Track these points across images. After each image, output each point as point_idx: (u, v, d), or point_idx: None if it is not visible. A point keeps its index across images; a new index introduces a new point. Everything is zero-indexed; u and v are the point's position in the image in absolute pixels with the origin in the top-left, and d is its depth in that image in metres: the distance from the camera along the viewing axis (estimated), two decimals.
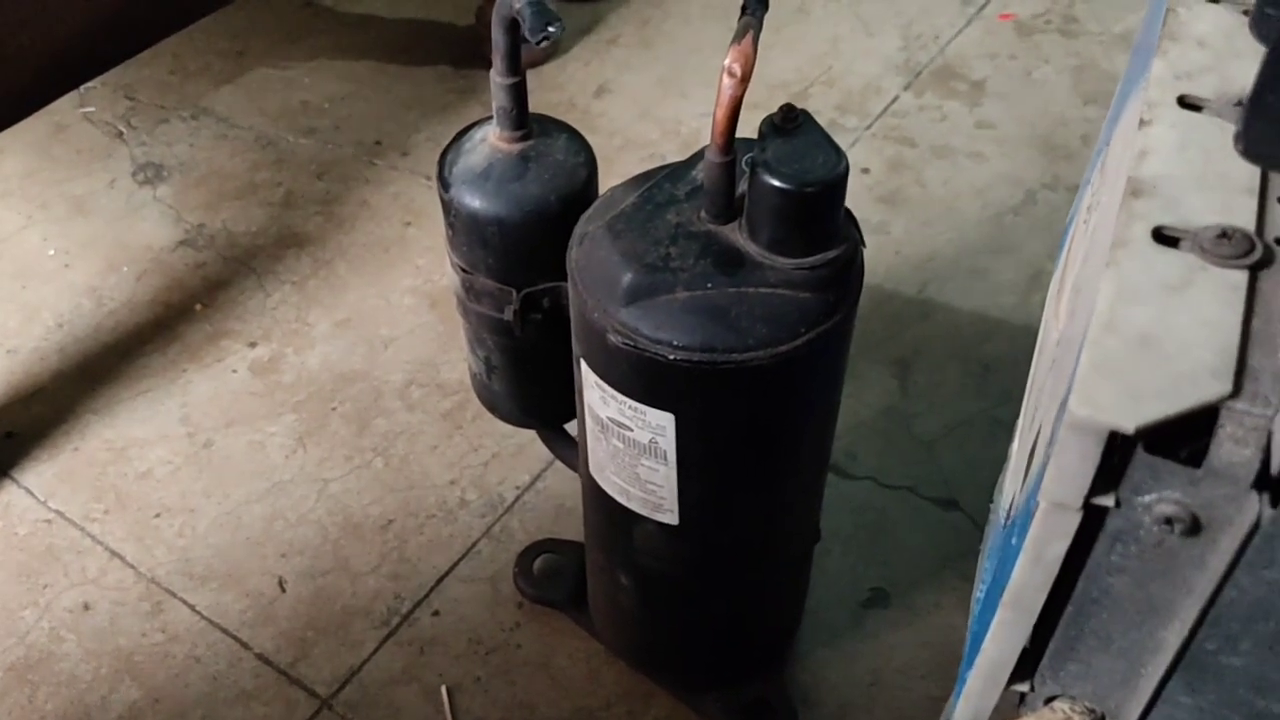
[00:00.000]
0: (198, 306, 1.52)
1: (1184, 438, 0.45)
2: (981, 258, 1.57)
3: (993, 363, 1.44)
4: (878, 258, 1.56)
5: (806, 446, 0.93)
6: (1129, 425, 0.43)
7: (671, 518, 0.91)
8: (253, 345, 1.48)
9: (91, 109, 1.83)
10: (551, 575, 1.22)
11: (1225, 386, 0.44)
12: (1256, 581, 0.45)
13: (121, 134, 1.78)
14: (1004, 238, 1.60)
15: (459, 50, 1.93)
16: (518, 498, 1.31)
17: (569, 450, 1.10)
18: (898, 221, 1.62)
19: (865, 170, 1.69)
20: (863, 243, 0.84)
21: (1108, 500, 0.47)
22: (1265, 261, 0.50)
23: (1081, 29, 1.95)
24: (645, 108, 1.81)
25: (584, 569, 1.14)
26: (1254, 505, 0.44)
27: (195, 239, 1.62)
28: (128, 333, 1.50)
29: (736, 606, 1.05)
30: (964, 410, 1.39)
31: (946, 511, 1.29)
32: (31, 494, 1.32)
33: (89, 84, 1.83)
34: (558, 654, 1.18)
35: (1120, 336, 0.47)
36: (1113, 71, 1.86)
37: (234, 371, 1.45)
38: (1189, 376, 0.45)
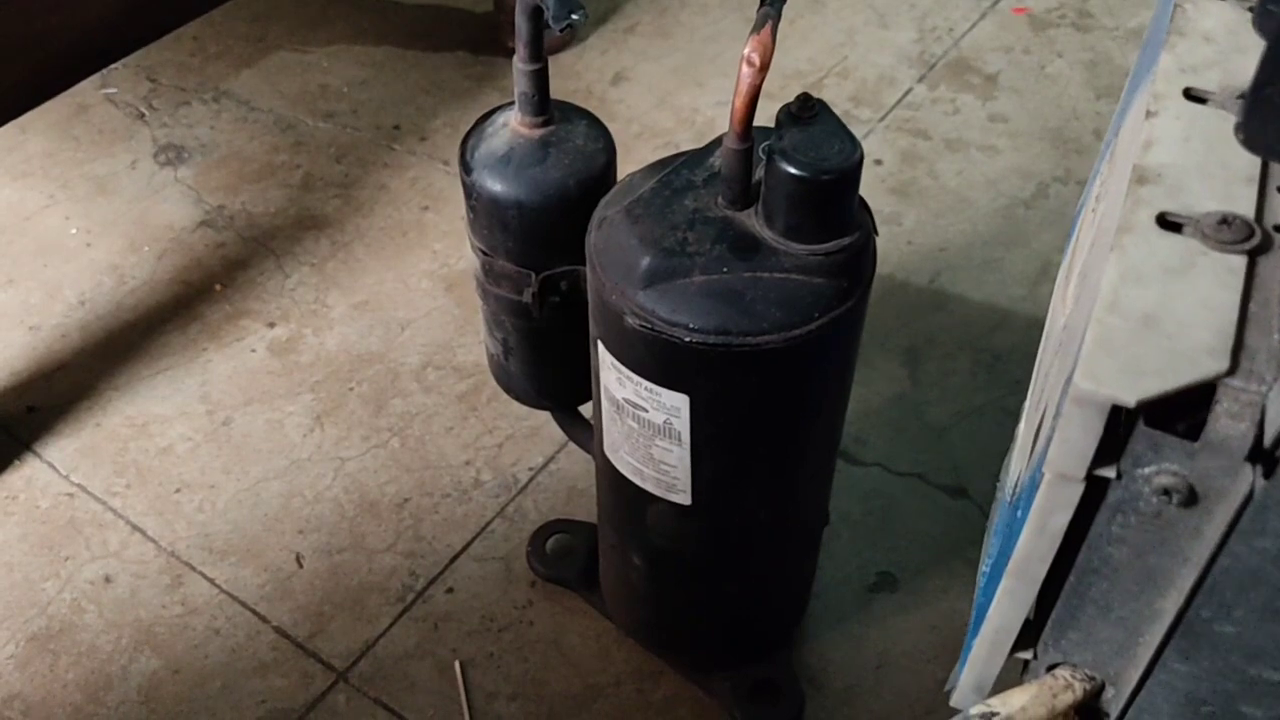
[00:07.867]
0: (217, 286, 1.55)
1: (1183, 412, 0.47)
2: (993, 249, 1.59)
3: (1003, 352, 1.45)
4: (890, 248, 1.57)
5: (818, 429, 0.95)
6: (1130, 399, 0.45)
7: (684, 498, 0.93)
8: (271, 325, 1.50)
9: (113, 90, 1.85)
10: (564, 555, 1.24)
11: (1223, 364, 0.46)
12: (1249, 550, 0.47)
13: (143, 115, 1.81)
14: (1015, 230, 1.62)
15: (477, 36, 1.94)
16: (531, 479, 1.33)
17: (583, 432, 1.12)
18: (910, 213, 1.64)
19: (878, 162, 1.71)
20: (875, 230, 0.86)
21: (1109, 472, 0.49)
22: (1263, 247, 0.52)
23: (1095, 23, 1.96)
24: (661, 96, 1.83)
25: (596, 549, 1.16)
26: (1248, 476, 0.46)
27: (215, 220, 1.64)
28: (148, 311, 1.52)
29: (746, 587, 1.06)
30: (974, 399, 1.40)
31: (955, 499, 1.31)
32: (54, 468, 1.35)
33: (111, 66, 1.85)
34: (569, 632, 1.20)
35: (1124, 316, 0.48)
36: (1126, 66, 1.87)
37: (253, 351, 1.47)
38: (1188, 354, 0.47)
